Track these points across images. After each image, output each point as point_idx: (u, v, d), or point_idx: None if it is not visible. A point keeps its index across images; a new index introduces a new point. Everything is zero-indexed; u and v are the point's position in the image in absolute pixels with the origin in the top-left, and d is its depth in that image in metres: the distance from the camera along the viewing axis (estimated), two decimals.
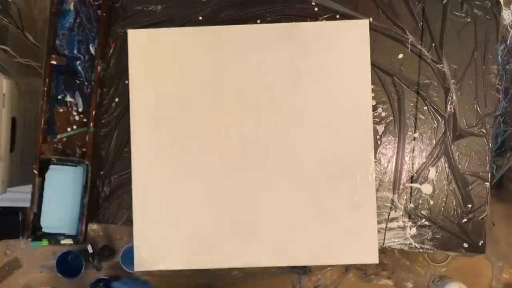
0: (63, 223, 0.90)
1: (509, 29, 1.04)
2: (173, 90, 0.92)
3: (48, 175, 0.90)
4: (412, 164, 0.91)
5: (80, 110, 0.93)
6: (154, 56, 0.92)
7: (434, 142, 0.91)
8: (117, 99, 0.93)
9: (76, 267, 1.12)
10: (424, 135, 0.91)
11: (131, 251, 0.92)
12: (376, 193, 0.90)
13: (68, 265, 1.14)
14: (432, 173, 0.91)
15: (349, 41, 0.91)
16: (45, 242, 0.88)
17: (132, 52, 0.92)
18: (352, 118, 0.90)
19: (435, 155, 0.91)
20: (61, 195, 0.89)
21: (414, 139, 0.91)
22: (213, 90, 0.92)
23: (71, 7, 0.92)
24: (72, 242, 0.89)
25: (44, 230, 0.90)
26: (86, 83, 0.93)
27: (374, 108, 0.91)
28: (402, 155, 0.91)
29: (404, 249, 0.90)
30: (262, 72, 0.91)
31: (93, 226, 1.19)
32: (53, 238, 0.89)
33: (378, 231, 0.90)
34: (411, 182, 0.91)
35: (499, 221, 1.20)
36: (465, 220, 0.90)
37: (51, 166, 0.90)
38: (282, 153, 0.90)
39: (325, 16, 0.92)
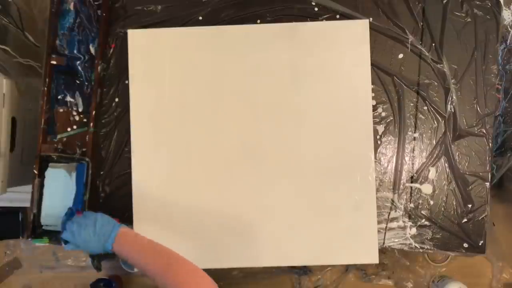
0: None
1: (509, 29, 1.04)
2: (173, 90, 0.92)
3: (48, 173, 0.90)
4: (412, 164, 0.91)
5: (80, 110, 0.93)
6: (154, 56, 0.92)
7: (434, 142, 0.91)
8: (117, 99, 0.93)
9: None
10: (424, 135, 0.91)
11: None
12: (376, 193, 0.90)
13: None
14: (432, 173, 0.91)
15: (349, 41, 0.91)
16: (45, 239, 0.88)
17: (132, 52, 0.92)
18: (352, 118, 0.90)
19: (435, 155, 0.91)
20: (61, 193, 0.89)
21: (414, 139, 0.91)
22: (213, 90, 0.92)
23: (71, 7, 0.92)
24: None
25: (45, 228, 0.90)
26: (86, 83, 0.93)
27: (374, 108, 0.91)
28: (402, 155, 0.91)
29: (404, 249, 0.90)
30: (262, 72, 0.91)
31: None
32: (54, 236, 0.89)
33: (378, 231, 0.90)
34: (411, 182, 0.91)
35: (499, 221, 1.20)
36: (465, 220, 0.90)
37: (51, 164, 0.90)
38: (282, 153, 0.90)
39: (325, 16, 0.92)
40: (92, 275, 1.14)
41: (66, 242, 0.78)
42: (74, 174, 0.90)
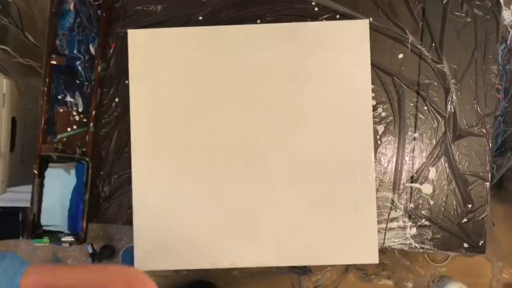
0: (64, 221, 0.90)
1: (509, 29, 1.04)
2: (173, 90, 0.92)
3: (48, 173, 0.90)
4: (412, 164, 0.91)
5: (80, 110, 0.93)
6: (154, 56, 0.92)
7: (434, 142, 0.91)
8: (117, 99, 0.94)
9: None
10: (424, 135, 0.91)
11: (131, 251, 0.92)
12: (376, 193, 0.90)
13: None
14: (432, 173, 0.91)
15: (349, 41, 0.91)
16: (46, 239, 0.88)
17: (132, 52, 0.92)
18: (352, 118, 0.90)
19: (435, 155, 0.91)
20: (61, 193, 0.90)
21: (414, 139, 0.91)
22: (213, 90, 0.92)
23: (71, 7, 0.92)
24: (73, 239, 0.89)
25: (44, 228, 0.90)
26: (86, 83, 0.93)
27: (374, 108, 0.91)
28: (402, 155, 0.91)
29: (404, 249, 0.90)
30: (262, 72, 0.91)
31: (93, 226, 1.19)
32: (54, 236, 0.89)
33: (378, 231, 0.90)
34: (411, 182, 0.91)
35: (499, 221, 1.20)
36: (465, 220, 0.90)
37: (51, 164, 0.90)
38: (282, 153, 0.90)
39: (325, 16, 0.92)
40: None
41: None
42: (74, 174, 0.90)
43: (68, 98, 0.93)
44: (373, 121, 0.90)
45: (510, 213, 1.20)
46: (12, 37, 1.10)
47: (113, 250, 1.23)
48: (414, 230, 0.90)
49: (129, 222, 0.91)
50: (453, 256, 1.18)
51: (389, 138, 0.91)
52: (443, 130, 0.91)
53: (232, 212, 0.90)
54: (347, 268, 1.20)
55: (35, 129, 0.91)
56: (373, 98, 0.91)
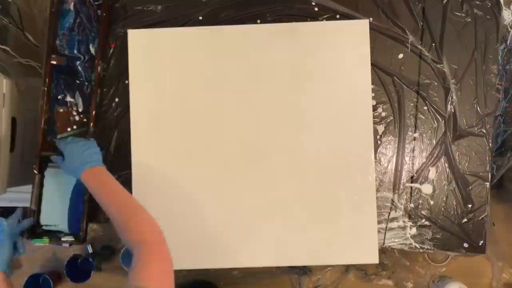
0: (63, 221, 0.90)
1: (509, 29, 1.04)
2: (173, 90, 0.92)
3: (48, 173, 0.90)
4: (412, 164, 0.91)
5: (80, 110, 0.93)
6: (154, 56, 0.92)
7: (434, 142, 0.91)
8: (117, 99, 0.93)
9: (85, 271, 1.14)
10: (424, 135, 0.91)
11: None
12: (376, 193, 0.90)
13: (77, 269, 1.16)
14: (432, 173, 0.91)
15: (349, 41, 0.91)
16: (46, 239, 0.88)
17: (132, 52, 0.92)
18: (352, 118, 0.90)
19: (435, 155, 0.91)
20: (61, 193, 0.89)
21: (414, 139, 0.91)
22: (213, 90, 0.92)
23: (71, 7, 0.92)
24: (73, 239, 0.89)
25: (44, 228, 0.90)
26: (86, 83, 0.93)
27: (374, 108, 0.91)
28: (402, 155, 0.91)
29: (404, 249, 0.90)
30: (262, 72, 0.91)
31: (93, 226, 1.19)
32: (54, 236, 0.89)
33: (378, 231, 0.90)
34: (411, 182, 0.91)
35: (499, 221, 1.20)
36: (465, 220, 0.90)
37: (50, 164, 0.90)
38: (282, 153, 0.90)
39: (325, 16, 0.92)
40: (93, 275, 1.14)
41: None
42: None
43: (68, 98, 0.93)
44: (373, 121, 0.90)
45: (510, 213, 1.20)
46: (12, 37, 1.10)
47: (113, 250, 1.23)
48: (414, 230, 0.90)
49: None
50: (453, 256, 1.18)
51: (389, 138, 0.91)
52: (443, 130, 0.91)
53: (233, 212, 0.90)
54: (347, 268, 1.20)
55: (35, 129, 0.91)
56: (373, 98, 0.91)
